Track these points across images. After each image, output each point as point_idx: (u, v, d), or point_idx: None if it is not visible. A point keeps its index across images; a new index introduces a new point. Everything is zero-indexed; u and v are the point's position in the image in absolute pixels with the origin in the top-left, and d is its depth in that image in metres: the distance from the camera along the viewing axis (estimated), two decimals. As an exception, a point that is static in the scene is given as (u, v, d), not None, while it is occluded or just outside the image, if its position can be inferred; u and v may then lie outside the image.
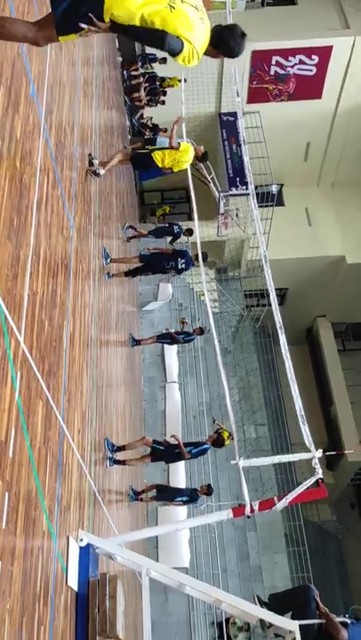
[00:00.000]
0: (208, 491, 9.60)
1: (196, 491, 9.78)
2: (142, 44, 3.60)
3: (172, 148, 8.58)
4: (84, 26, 2.97)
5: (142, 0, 3.00)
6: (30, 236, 3.89)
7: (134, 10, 2.98)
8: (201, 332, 12.00)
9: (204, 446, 8.88)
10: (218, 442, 8.75)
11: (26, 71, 4.17)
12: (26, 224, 3.82)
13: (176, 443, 8.80)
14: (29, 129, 4.13)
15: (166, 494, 9.98)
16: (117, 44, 14.24)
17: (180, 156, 8.52)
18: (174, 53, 3.12)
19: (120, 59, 14.44)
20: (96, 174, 7.20)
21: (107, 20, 3.00)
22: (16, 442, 3.18)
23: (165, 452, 8.89)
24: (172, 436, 9.18)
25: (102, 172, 7.39)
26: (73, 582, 4.25)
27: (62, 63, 5.90)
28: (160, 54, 15.06)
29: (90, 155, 7.19)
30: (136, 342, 11.73)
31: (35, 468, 3.52)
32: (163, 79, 15.23)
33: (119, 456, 7.43)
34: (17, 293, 3.49)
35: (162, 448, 8.87)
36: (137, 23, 3.01)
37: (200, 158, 9.02)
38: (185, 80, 14.14)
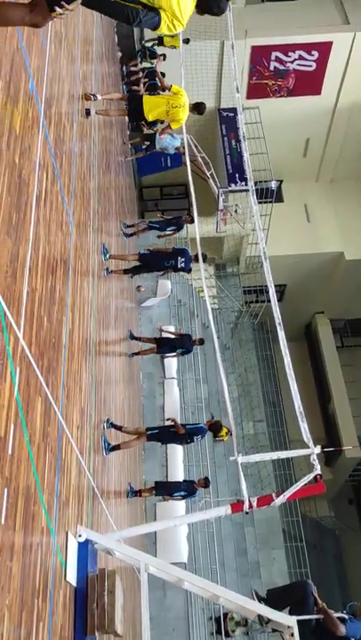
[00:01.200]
0: (205, 483, 9.63)
1: (194, 484, 9.80)
2: (116, 19, 3.49)
3: (163, 89, 8.41)
4: (59, 10, 2.90)
5: None
6: (29, 231, 3.88)
7: None
8: (201, 342, 11.31)
9: (200, 425, 8.94)
10: (215, 427, 8.81)
11: (25, 66, 4.16)
12: (25, 220, 3.81)
13: (172, 424, 8.84)
14: (28, 124, 4.11)
15: (165, 489, 10.01)
16: (117, 40, 14.18)
17: (174, 101, 8.30)
18: (153, 28, 3.16)
19: (119, 54, 14.38)
20: (88, 113, 7.19)
21: None
22: (15, 438, 3.18)
23: (161, 433, 8.92)
24: (169, 419, 9.22)
25: (99, 97, 7.36)
26: (72, 578, 4.26)
27: (61, 58, 5.88)
28: (160, 50, 14.98)
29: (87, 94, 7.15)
30: (135, 339, 11.56)
31: (34, 463, 3.52)
32: (161, 39, 14.66)
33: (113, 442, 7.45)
34: (16, 290, 3.49)
35: (156, 431, 8.92)
36: None
37: (197, 109, 8.88)
38: (187, 41, 13.53)
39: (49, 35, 5.23)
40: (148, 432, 8.74)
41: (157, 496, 10.07)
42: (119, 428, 7.69)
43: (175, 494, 9.85)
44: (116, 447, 7.37)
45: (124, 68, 14.51)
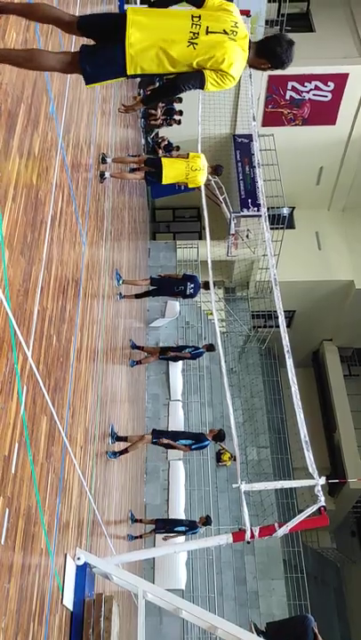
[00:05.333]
0: (207, 521, 9.69)
1: (195, 522, 9.82)
2: (169, 96, 3.50)
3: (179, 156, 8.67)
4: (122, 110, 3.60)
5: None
6: (43, 251, 3.92)
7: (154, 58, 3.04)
8: (209, 348, 11.28)
9: (205, 443, 8.89)
10: (218, 437, 8.78)
11: (47, 89, 4.24)
12: (39, 240, 3.84)
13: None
14: (47, 146, 4.18)
15: (166, 524, 9.98)
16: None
17: (194, 163, 8.47)
18: (201, 88, 3.17)
19: (139, 78, 14.62)
20: (102, 177, 7.28)
21: (130, 72, 3.08)
22: (19, 457, 3.17)
23: (167, 435, 8.91)
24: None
25: (107, 175, 7.49)
26: (68, 602, 4.20)
27: (82, 82, 5.97)
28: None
29: (102, 154, 7.27)
30: (138, 349, 11.33)
31: (36, 484, 3.50)
32: None
33: (118, 447, 7.57)
34: (27, 308, 3.51)
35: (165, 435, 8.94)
36: (160, 71, 3.07)
37: (216, 171, 9.02)
38: None
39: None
40: (157, 430, 8.82)
41: (158, 532, 9.98)
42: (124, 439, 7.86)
43: (176, 529, 9.80)
44: (124, 451, 7.64)
45: (142, 92, 14.74)
